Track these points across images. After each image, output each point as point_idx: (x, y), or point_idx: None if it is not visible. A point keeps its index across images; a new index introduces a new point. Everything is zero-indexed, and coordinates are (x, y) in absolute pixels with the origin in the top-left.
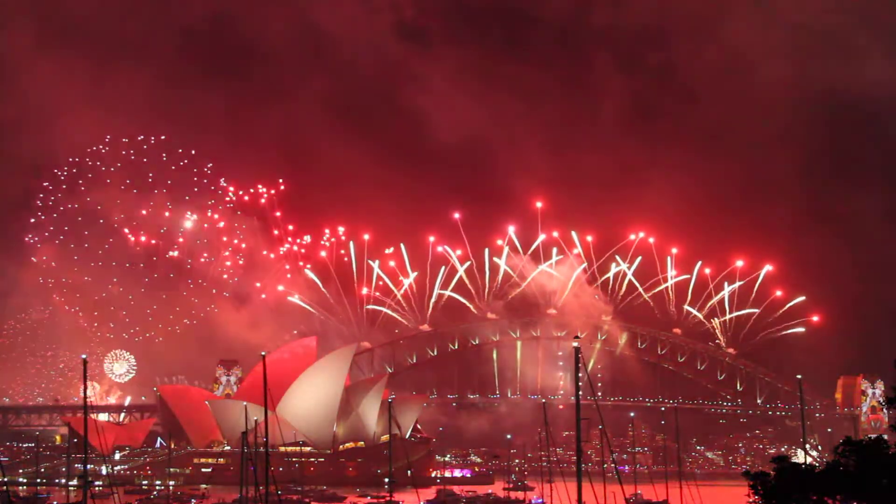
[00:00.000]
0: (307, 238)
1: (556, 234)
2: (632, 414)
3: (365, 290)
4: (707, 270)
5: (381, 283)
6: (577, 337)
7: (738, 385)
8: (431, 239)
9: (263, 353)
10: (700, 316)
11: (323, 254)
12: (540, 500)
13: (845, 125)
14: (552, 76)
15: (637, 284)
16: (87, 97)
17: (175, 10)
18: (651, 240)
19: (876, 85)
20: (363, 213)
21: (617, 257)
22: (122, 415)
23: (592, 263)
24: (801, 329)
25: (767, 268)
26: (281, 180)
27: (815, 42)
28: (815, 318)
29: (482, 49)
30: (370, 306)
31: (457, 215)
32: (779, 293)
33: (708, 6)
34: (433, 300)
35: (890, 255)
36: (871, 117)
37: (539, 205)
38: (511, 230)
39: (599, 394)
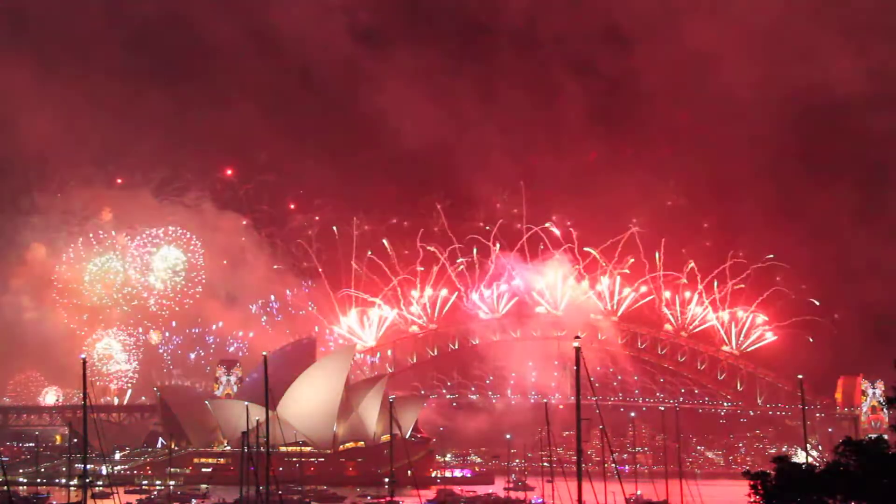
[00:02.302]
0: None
1: (548, 223)
2: (632, 414)
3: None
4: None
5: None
6: (577, 337)
7: (739, 385)
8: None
9: (265, 353)
10: (673, 323)
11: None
12: (540, 500)
13: (811, 124)
14: (512, 80)
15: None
16: (37, 94)
17: (127, 7)
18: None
19: (840, 83)
20: (331, 213)
21: (597, 254)
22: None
23: (579, 262)
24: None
25: (769, 256)
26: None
27: (776, 41)
28: (836, 316)
29: (440, 52)
30: (355, 310)
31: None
32: (792, 296)
33: (666, 8)
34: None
35: (866, 254)
36: (837, 115)
37: (516, 210)
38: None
39: (599, 396)
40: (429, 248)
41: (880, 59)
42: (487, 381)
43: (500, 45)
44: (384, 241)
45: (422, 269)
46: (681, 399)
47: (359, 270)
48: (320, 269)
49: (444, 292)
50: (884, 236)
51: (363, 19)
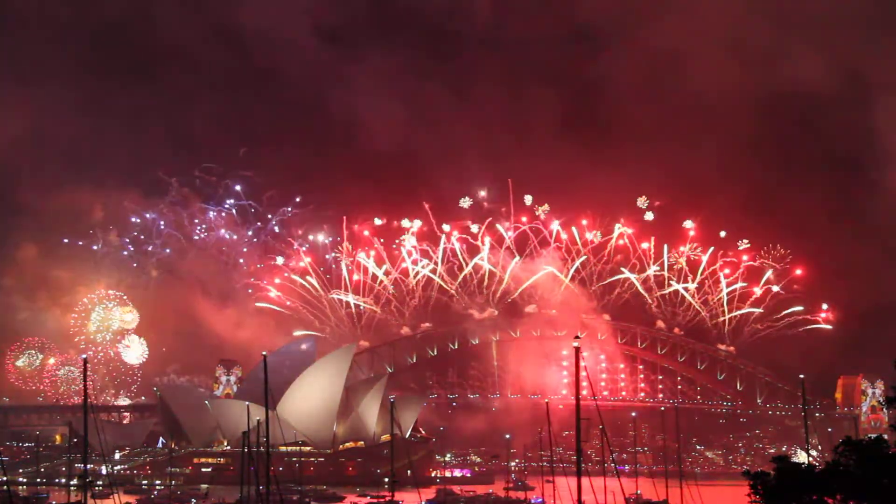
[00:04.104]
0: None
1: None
2: (633, 414)
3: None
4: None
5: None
6: (577, 337)
7: (738, 385)
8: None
9: (265, 353)
10: (657, 306)
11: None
12: (540, 500)
13: (783, 121)
14: (484, 81)
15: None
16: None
17: (93, 7)
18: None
19: (811, 81)
20: (314, 212)
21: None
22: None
23: (568, 263)
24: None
25: (771, 270)
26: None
27: (746, 40)
28: (828, 316)
29: (409, 54)
30: (351, 299)
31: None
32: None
33: (636, 8)
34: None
35: (857, 252)
36: (807, 112)
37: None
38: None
39: (599, 396)
40: (423, 246)
41: (850, 57)
42: (495, 395)
43: (470, 46)
44: (375, 241)
45: (415, 268)
46: (680, 399)
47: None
48: (309, 269)
49: (435, 292)
50: (871, 235)
51: (331, 21)
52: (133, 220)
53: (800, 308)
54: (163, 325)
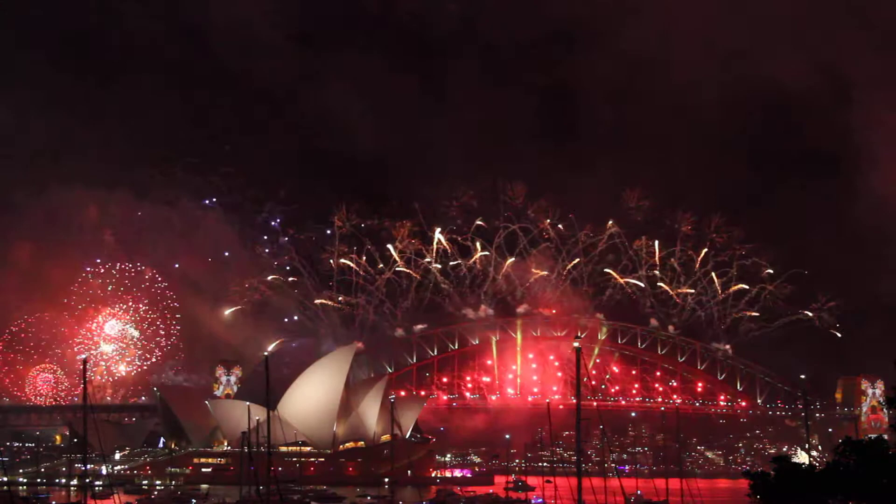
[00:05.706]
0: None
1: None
2: (633, 414)
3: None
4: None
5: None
6: (577, 337)
7: (738, 385)
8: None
9: (265, 354)
10: (650, 306)
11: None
12: (540, 500)
13: (761, 120)
14: (456, 85)
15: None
16: None
17: (63, 7)
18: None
19: (789, 80)
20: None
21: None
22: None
23: (559, 262)
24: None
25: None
26: None
27: (722, 42)
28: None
29: (382, 56)
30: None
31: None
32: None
33: (612, 11)
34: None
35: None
36: (784, 111)
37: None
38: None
39: (600, 395)
40: (415, 246)
41: (827, 57)
42: (495, 395)
43: (445, 48)
44: (367, 242)
45: (406, 269)
46: (680, 399)
47: (343, 269)
48: (301, 268)
49: (429, 293)
50: (869, 235)
51: (305, 22)
52: (122, 219)
53: (808, 313)
54: (160, 325)
